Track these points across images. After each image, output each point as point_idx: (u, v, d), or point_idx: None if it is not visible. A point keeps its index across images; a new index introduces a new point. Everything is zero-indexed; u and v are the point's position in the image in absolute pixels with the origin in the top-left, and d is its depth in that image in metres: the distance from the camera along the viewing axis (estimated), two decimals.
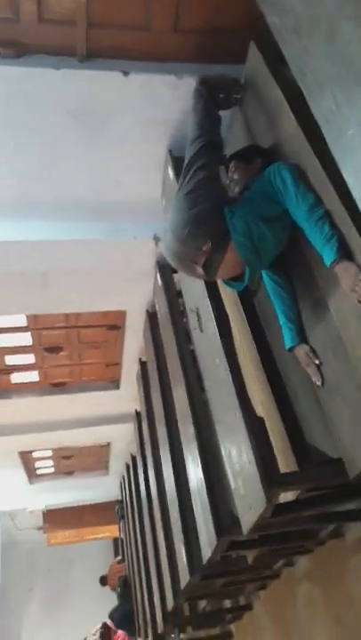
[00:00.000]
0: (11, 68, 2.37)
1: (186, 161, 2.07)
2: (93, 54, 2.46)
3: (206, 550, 2.52)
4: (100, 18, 2.36)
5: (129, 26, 2.44)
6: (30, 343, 4.64)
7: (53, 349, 4.74)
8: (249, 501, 1.85)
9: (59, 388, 5.31)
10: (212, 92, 2.19)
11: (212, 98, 2.19)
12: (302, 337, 1.94)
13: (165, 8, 2.41)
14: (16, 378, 5.14)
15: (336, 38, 1.09)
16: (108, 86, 2.53)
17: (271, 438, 2.05)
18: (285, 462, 1.99)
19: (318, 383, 1.84)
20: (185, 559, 2.98)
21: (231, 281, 2.06)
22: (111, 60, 2.49)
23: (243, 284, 2.00)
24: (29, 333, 4.52)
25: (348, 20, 1.05)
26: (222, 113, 2.28)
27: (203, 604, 4.44)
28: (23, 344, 4.65)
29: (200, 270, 1.93)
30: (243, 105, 2.33)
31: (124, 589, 7.18)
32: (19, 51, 2.36)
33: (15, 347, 4.68)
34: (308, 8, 1.19)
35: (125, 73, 2.49)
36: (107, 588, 8.28)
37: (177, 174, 2.68)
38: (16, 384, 5.19)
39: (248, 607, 4.29)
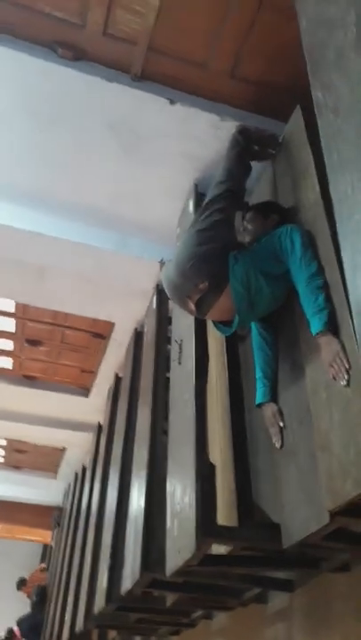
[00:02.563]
0: (65, 68, 2.43)
1: (206, 200, 2.12)
2: (146, 76, 2.54)
3: (127, 581, 2.48)
4: (161, 44, 2.44)
5: (188, 60, 2.52)
6: (13, 330, 4.63)
7: (34, 342, 4.73)
8: (179, 544, 1.83)
9: (29, 380, 5.27)
10: (248, 142, 2.25)
11: (248, 148, 2.25)
12: (273, 396, 1.95)
13: (227, 52, 2.49)
14: None
15: None
16: (153, 110, 2.60)
17: (220, 488, 2.03)
18: (227, 515, 1.97)
19: (277, 445, 1.85)
20: (105, 585, 2.92)
21: (220, 324, 2.08)
22: (162, 86, 2.57)
23: (230, 330, 2.03)
24: (14, 320, 4.51)
25: None
26: (254, 164, 2.35)
27: (112, 634, 4.33)
28: (5, 329, 4.64)
29: (192, 306, 1.96)
30: (275, 161, 2.39)
31: (40, 600, 6.99)
32: (76, 55, 2.43)
33: None
34: (350, 93, 1.24)
35: (172, 102, 2.56)
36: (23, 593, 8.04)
37: (197, 208, 2.73)
38: None
39: None
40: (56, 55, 2.45)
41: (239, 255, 1.95)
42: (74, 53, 2.43)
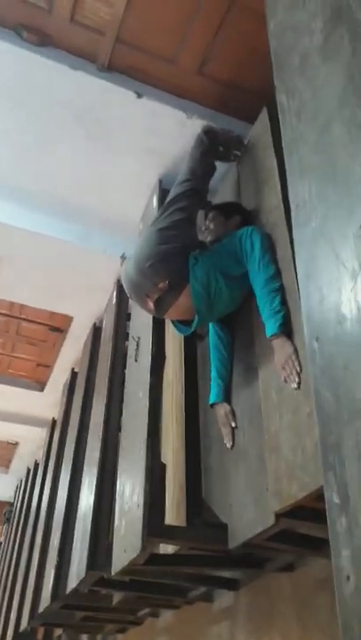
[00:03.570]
0: (29, 53, 2.36)
1: (169, 198, 2.11)
2: (113, 67, 2.49)
3: (73, 580, 2.44)
4: (130, 36, 2.41)
5: (156, 54, 2.50)
6: None
7: None
8: (125, 544, 1.81)
9: None
10: (213, 142, 2.26)
11: (212, 148, 2.26)
12: (227, 396, 1.96)
13: (196, 49, 2.48)
14: None
15: (327, 134, 1.14)
16: (120, 102, 2.56)
17: (171, 487, 2.02)
18: (176, 513, 1.97)
19: (228, 445, 1.85)
20: (51, 583, 2.87)
21: (179, 324, 2.07)
22: (129, 79, 2.53)
23: (188, 330, 2.02)
24: None
25: (342, 122, 1.10)
26: (219, 164, 2.35)
27: (59, 632, 4.27)
28: None
29: (151, 305, 1.94)
30: (240, 162, 2.40)
31: None
32: (41, 40, 2.36)
33: None
34: (313, 98, 1.25)
35: (139, 95, 2.52)
36: None
37: (160, 204, 2.71)
38: None
39: None
40: (20, 39, 2.38)
41: (199, 256, 1.95)
42: (39, 38, 2.37)
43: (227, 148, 2.33)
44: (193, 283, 1.88)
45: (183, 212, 2.03)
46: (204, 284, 1.88)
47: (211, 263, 1.92)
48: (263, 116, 2.24)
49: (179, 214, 2.04)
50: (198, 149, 2.22)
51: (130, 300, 3.29)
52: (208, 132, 2.26)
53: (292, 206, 1.19)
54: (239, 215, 2.16)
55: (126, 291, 2.07)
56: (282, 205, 1.83)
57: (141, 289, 1.95)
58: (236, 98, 2.64)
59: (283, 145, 1.37)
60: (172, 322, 2.11)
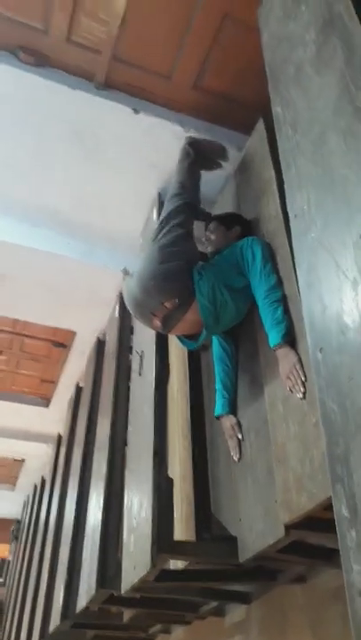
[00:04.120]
0: (26, 73, 2.39)
1: (164, 213, 2.11)
2: (110, 85, 2.52)
3: (83, 598, 2.41)
4: (126, 54, 2.43)
5: (152, 70, 2.52)
6: None
7: None
8: (135, 560, 1.79)
9: None
10: (199, 154, 2.29)
11: (198, 159, 2.29)
12: (233, 408, 1.95)
13: (191, 63, 2.50)
14: None
15: (324, 144, 1.15)
16: (118, 119, 2.58)
17: (179, 501, 2.01)
18: (185, 528, 1.95)
19: (235, 458, 1.84)
20: (61, 602, 2.84)
21: (185, 338, 2.06)
22: (126, 95, 2.55)
23: (195, 343, 2.01)
24: None
25: (337, 132, 1.11)
26: (218, 176, 2.36)
27: None
28: None
29: (158, 323, 1.92)
30: (238, 173, 2.41)
31: None
32: (39, 61, 2.39)
33: None
34: (308, 109, 1.26)
35: (136, 111, 2.54)
36: None
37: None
38: None
39: None
40: (17, 60, 2.40)
41: (203, 270, 1.94)
42: (36, 59, 2.39)
43: (212, 157, 2.35)
44: (200, 298, 1.87)
45: (181, 228, 2.03)
46: (210, 299, 1.87)
47: (215, 277, 1.91)
48: (260, 128, 2.25)
49: (177, 230, 2.03)
50: (185, 162, 2.25)
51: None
52: (193, 144, 2.29)
53: (291, 216, 1.19)
54: (239, 226, 2.16)
55: (130, 309, 2.04)
56: (281, 215, 1.83)
57: (147, 307, 1.92)
58: (233, 110, 2.66)
59: (280, 155, 1.37)
60: (177, 336, 2.10)
